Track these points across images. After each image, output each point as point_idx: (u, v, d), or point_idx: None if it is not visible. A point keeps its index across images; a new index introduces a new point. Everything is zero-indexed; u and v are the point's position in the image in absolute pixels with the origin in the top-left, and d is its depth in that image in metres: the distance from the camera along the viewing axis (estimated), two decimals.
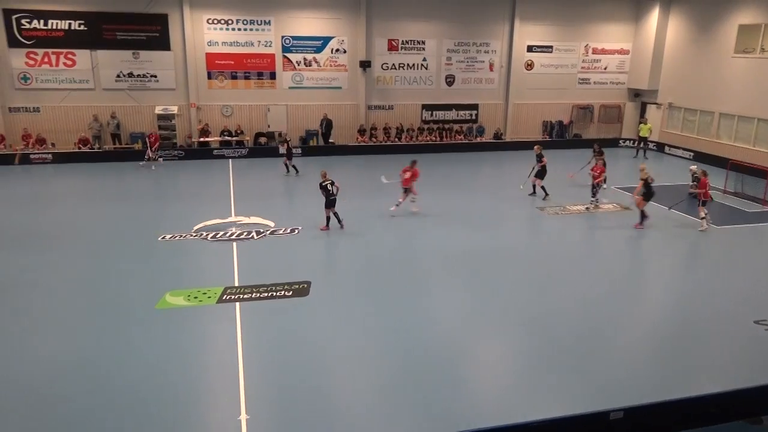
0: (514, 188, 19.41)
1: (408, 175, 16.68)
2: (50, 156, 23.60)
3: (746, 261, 13.82)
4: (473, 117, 29.11)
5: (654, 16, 28.23)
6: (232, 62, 25.69)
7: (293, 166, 22.14)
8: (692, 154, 26.17)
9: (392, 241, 14.64)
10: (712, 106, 25.96)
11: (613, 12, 29.19)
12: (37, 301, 10.95)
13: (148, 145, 23.22)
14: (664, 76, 28.72)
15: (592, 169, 17.99)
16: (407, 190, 16.78)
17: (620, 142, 30.00)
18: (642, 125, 27.66)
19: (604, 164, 18.31)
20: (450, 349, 9.41)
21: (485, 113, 29.20)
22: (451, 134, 28.48)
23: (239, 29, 25.37)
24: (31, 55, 23.81)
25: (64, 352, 9.09)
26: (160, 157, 23.63)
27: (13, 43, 23.50)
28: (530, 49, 28.93)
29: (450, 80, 28.41)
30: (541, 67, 29.29)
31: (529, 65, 29.13)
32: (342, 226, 15.12)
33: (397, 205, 16.60)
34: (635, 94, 30.46)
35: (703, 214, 15.81)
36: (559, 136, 29.72)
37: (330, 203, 14.98)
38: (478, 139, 28.58)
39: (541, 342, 9.64)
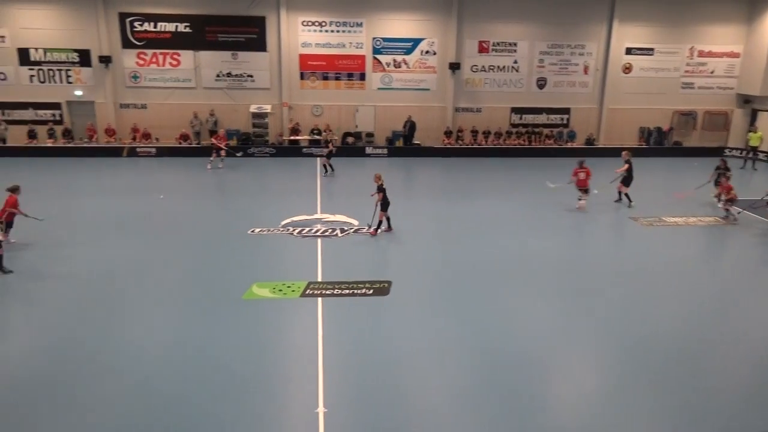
0: (604, 196, 18.56)
1: (583, 175, 17.16)
2: (154, 150, 25.22)
3: None
4: (564, 121, 28.19)
5: None
6: (324, 63, 26.34)
7: (330, 166, 22.21)
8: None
9: (478, 246, 14.41)
10: None
11: (722, 12, 27.32)
12: (135, 285, 11.70)
13: (217, 145, 23.08)
14: None
15: (720, 188, 17.24)
16: (586, 191, 17.19)
17: (725, 151, 27.98)
18: (752, 134, 25.74)
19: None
20: (533, 361, 9.12)
21: (577, 118, 28.20)
22: (540, 138, 27.73)
23: (332, 31, 25.98)
24: (141, 56, 25.55)
25: (154, 336, 9.64)
26: (220, 158, 23.11)
27: (126, 44, 25.30)
28: (629, 51, 27.63)
29: (541, 83, 27.68)
30: (641, 71, 27.91)
31: (627, 68, 27.83)
32: (391, 229, 15.05)
33: (579, 207, 17.21)
34: (745, 100, 28.33)
35: None
36: (658, 144, 28.16)
37: (387, 206, 14.83)
38: (569, 145, 27.63)
39: (635, 363, 9.15)
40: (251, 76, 26.24)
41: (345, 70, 26.61)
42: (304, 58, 26.22)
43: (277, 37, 25.71)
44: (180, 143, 25.72)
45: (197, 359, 8.85)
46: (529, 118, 28.03)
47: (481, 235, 15.21)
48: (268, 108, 26.28)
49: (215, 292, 11.35)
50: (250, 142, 26.02)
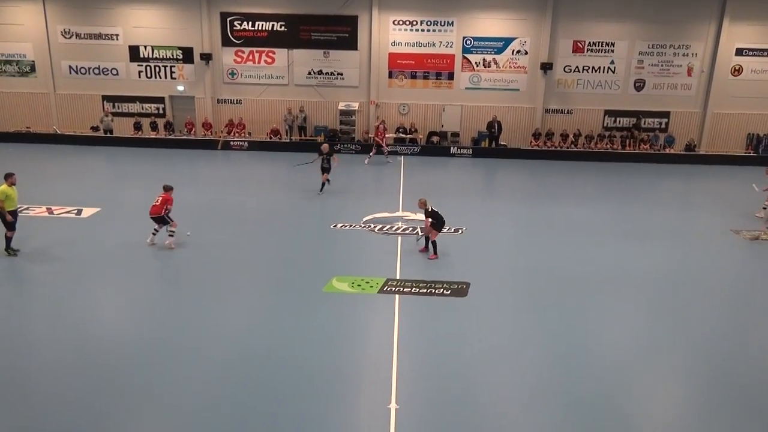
0: (704, 206, 17.39)
1: None
2: (246, 144, 26.33)
3: None
4: (662, 126, 26.69)
5: None
6: (413, 62, 26.42)
7: (328, 181, 18.84)
8: None
9: (564, 252, 13.95)
10: None
11: None
12: (222, 274, 12.26)
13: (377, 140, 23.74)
14: None
15: None
16: None
17: None
18: None
19: None
20: (614, 376, 8.70)
21: (677, 122, 26.63)
22: (635, 143, 26.41)
23: (423, 30, 26.02)
24: (239, 53, 26.74)
25: (234, 324, 10.04)
26: (387, 152, 23.77)
27: (225, 42, 26.57)
28: (740, 52, 25.76)
29: (639, 85, 26.37)
30: (752, 73, 25.95)
31: (737, 70, 25.94)
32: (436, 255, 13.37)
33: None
34: None
35: None
36: (766, 152, 26.06)
37: (440, 227, 13.36)
38: (667, 150, 26.12)
39: (725, 385, 8.53)
40: (341, 74, 26.77)
41: (433, 69, 26.57)
42: (393, 57, 26.42)
43: (368, 36, 26.07)
44: (270, 138, 26.67)
45: (274, 348, 9.14)
46: (624, 122, 26.77)
47: (564, 240, 14.70)
48: (355, 105, 26.72)
49: (296, 283, 11.67)
50: (336, 139, 26.55)
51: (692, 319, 10.61)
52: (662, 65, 26.17)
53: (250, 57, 26.81)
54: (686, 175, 23.64)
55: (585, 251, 13.91)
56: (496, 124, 26.05)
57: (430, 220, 13.13)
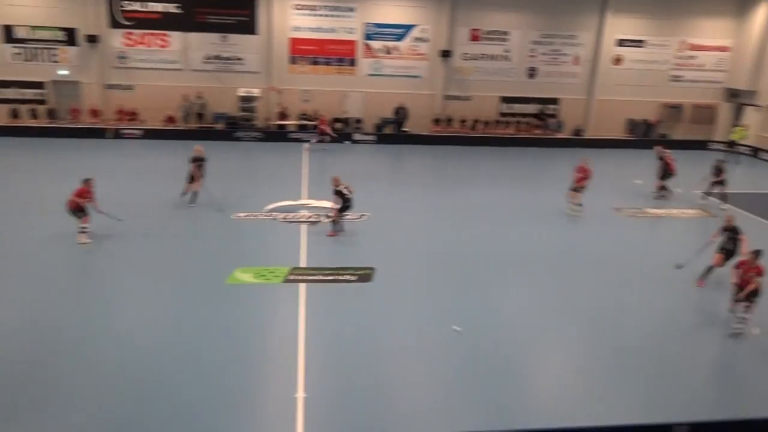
0: (591, 187, 18.63)
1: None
2: (140, 132, 24.96)
3: None
4: (553, 111, 28.21)
5: (761, 11, 26.25)
6: (315, 48, 26.13)
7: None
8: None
9: (466, 234, 14.47)
10: None
11: (713, 6, 27.39)
12: (118, 269, 11.66)
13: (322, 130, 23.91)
14: None
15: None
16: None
17: (710, 144, 28.18)
18: (737, 128, 25.92)
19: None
20: (513, 347, 9.25)
21: (566, 108, 28.24)
22: (528, 128, 27.76)
23: (324, 15, 25.75)
24: (129, 36, 25.18)
25: (134, 320, 9.63)
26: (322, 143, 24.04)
27: (114, 23, 24.92)
28: (620, 43, 27.65)
29: (532, 73, 27.66)
30: (631, 63, 27.96)
31: (618, 60, 27.87)
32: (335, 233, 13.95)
33: None
34: (732, 94, 28.49)
35: None
36: (644, 136, 28.28)
37: (347, 209, 13.91)
38: (557, 135, 27.68)
39: (606, 346, 9.29)
40: (240, 59, 25.98)
41: (335, 56, 26.42)
42: (294, 42, 26.00)
43: (268, 20, 25.44)
44: (166, 125, 25.48)
45: (178, 342, 8.87)
46: (518, 108, 28.02)
47: (466, 222, 15.27)
48: (256, 92, 26.09)
49: (198, 276, 11.34)
50: (237, 127, 25.82)
51: (585, 290, 11.41)
52: (552, 54, 27.58)
53: (142, 40, 25.34)
54: (574, 157, 25.12)
55: (486, 233, 14.52)
56: (401, 111, 26.40)
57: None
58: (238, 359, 8.53)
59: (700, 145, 27.94)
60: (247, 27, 25.59)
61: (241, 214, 15.07)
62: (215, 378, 8.01)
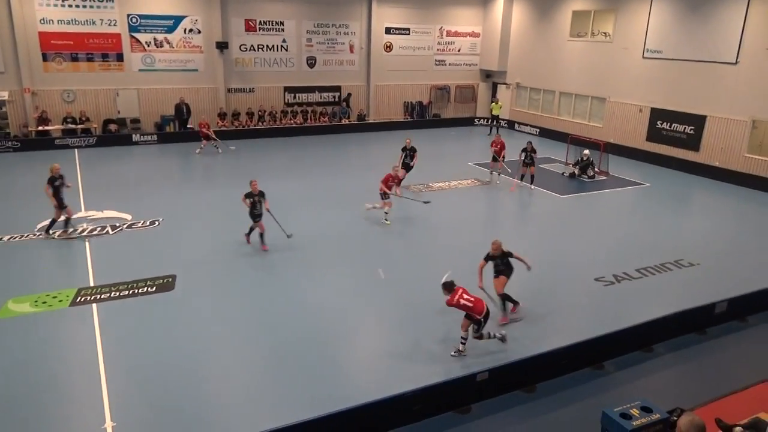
0: (377, 169, 19.75)
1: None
2: None
3: (585, 225, 15.39)
4: (336, 99, 29.18)
5: (500, 1, 30.03)
6: (72, 42, 23.41)
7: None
8: (538, 130, 28.39)
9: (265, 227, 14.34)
10: (553, 85, 28.29)
11: None
12: None
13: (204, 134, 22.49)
14: (512, 58, 30.74)
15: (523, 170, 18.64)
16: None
17: (475, 120, 31.73)
18: (493, 104, 29.51)
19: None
20: (321, 330, 9.52)
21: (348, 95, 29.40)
22: (315, 116, 28.36)
23: (76, 6, 23.13)
24: None
25: None
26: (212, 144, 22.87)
27: None
28: (388, 31, 29.50)
29: (311, 62, 28.20)
30: (400, 49, 30.02)
31: (388, 47, 29.72)
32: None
33: None
34: (487, 75, 32.32)
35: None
36: (420, 116, 30.77)
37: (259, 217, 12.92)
38: (344, 121, 28.72)
39: (409, 316, 10.05)
40: None
41: (98, 50, 23.99)
42: (45, 37, 22.96)
43: (8, 12, 22.05)
44: None
45: None
46: (302, 97, 28.41)
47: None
48: (4, 95, 22.61)
49: None
50: None
51: (392, 266, 12.14)
52: (328, 43, 28.39)
53: None
54: (361, 142, 26.42)
55: (283, 223, 14.56)
56: (184, 107, 25.00)
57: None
58: (32, 401, 7.50)
59: (467, 121, 31.27)
60: None
61: (5, 238, 13.07)
62: (13, 426, 6.97)
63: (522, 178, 18.52)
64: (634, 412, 6.21)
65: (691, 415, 4.82)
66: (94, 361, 8.40)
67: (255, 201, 12.71)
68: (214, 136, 22.80)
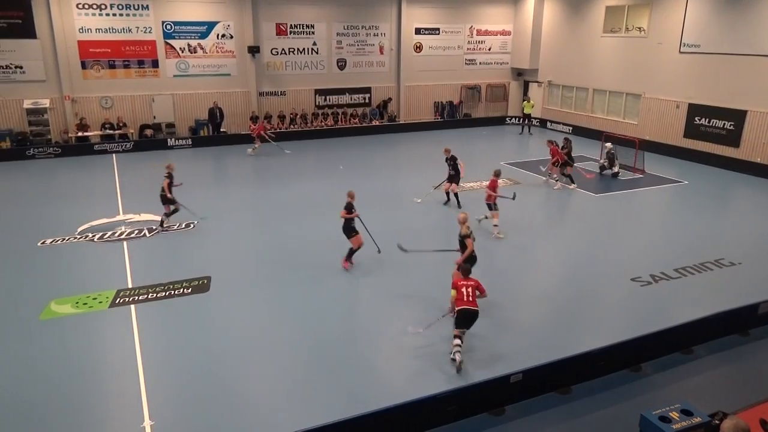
0: (411, 170, 19.74)
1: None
2: None
3: (620, 224, 15.08)
4: (366, 100, 29.26)
5: None
6: (109, 50, 24.05)
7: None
8: (571, 128, 27.95)
9: (295, 230, 14.48)
10: (586, 82, 27.81)
11: None
12: None
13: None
14: (543, 55, 30.35)
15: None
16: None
17: (507, 119, 31.42)
18: (525, 103, 29.17)
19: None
20: (356, 332, 9.55)
21: (378, 96, 29.45)
22: (346, 118, 28.49)
23: (114, 14, 23.76)
24: None
25: None
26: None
27: None
28: (418, 31, 29.45)
29: (341, 64, 28.35)
30: (430, 49, 29.93)
31: (418, 47, 29.67)
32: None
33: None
34: (518, 73, 31.97)
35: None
36: (450, 117, 30.61)
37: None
38: (374, 123, 28.78)
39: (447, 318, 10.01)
40: (20, 67, 22.99)
41: (135, 57, 24.59)
42: (84, 45, 23.64)
43: (49, 22, 22.80)
44: None
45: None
46: (333, 99, 28.59)
47: (297, 219, 15.30)
48: (46, 103, 23.35)
49: (5, 317, 9.97)
50: (28, 143, 22.93)
51: (417, 269, 12.10)
52: (358, 45, 28.51)
53: None
54: (392, 143, 26.43)
55: (318, 225, 14.67)
56: (217, 111, 25.44)
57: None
58: (73, 399, 7.72)
59: (499, 120, 31.01)
60: (24, 30, 22.70)
61: (48, 241, 13.49)
62: (51, 424, 7.19)
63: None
64: (674, 415, 6.06)
65: (735, 418, 4.68)
66: (133, 361, 8.60)
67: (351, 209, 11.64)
68: (269, 137, 23.39)
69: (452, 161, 16.00)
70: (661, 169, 20.59)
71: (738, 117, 20.94)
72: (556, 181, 18.26)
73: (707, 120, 22.10)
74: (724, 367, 8.72)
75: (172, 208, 14.47)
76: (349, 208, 11.65)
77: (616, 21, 25.95)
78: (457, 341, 8.44)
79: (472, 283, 8.61)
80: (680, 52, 22.91)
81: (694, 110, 22.54)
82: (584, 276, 11.76)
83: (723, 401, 7.23)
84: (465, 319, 8.46)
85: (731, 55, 21.01)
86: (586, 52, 27.50)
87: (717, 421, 6.11)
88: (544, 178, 18.92)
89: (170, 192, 14.29)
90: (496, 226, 13.97)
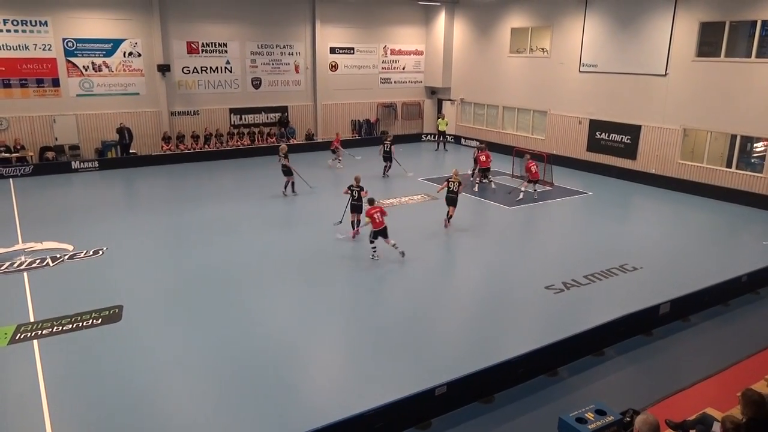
0: (326, 189, 19.72)
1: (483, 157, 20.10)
2: None
3: (532, 235, 15.75)
4: (282, 119, 29.02)
5: (441, 19, 30.74)
6: (3, 68, 22.52)
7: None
8: (485, 145, 28.90)
9: (214, 251, 14.05)
10: (496, 100, 29.03)
11: (405, 15, 31.15)
12: None
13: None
14: (455, 74, 31.43)
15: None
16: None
17: (422, 137, 32.17)
18: (440, 120, 29.99)
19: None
20: (276, 353, 9.36)
21: (295, 115, 29.33)
22: (263, 137, 28.10)
23: (9, 31, 22.32)
24: None
25: None
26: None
27: None
28: (333, 50, 29.67)
29: (257, 83, 28.02)
30: (345, 68, 30.22)
31: (334, 66, 29.87)
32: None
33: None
34: (432, 91, 32.89)
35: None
36: (368, 134, 30.96)
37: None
38: (291, 141, 28.54)
39: (363, 334, 10.01)
40: None
41: (33, 76, 23.15)
42: None
43: None
44: None
45: None
46: (249, 119, 28.16)
47: (212, 240, 14.87)
48: None
49: None
50: None
51: (336, 285, 12.07)
52: (273, 64, 28.29)
53: None
54: (309, 162, 26.29)
55: (233, 247, 14.34)
56: (125, 131, 24.35)
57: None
58: None
59: (415, 138, 31.68)
60: None
61: None
62: None
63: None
64: (589, 416, 6.34)
65: (646, 414, 4.99)
66: (37, 402, 7.98)
67: (353, 190, 14.78)
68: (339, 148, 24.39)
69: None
70: (568, 182, 21.77)
71: (633, 131, 22.56)
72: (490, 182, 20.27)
73: (607, 134, 23.65)
74: (631, 366, 9.26)
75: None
76: (352, 190, 14.85)
77: (521, 42, 27.36)
78: (373, 245, 13.17)
79: (378, 209, 12.95)
80: (580, 72, 24.45)
81: (595, 126, 24.07)
82: (500, 286, 12.17)
83: (633, 399, 7.66)
84: (377, 234, 12.93)
85: (625, 74, 22.66)
86: (495, 71, 28.75)
87: (628, 419, 6.47)
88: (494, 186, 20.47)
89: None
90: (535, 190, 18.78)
